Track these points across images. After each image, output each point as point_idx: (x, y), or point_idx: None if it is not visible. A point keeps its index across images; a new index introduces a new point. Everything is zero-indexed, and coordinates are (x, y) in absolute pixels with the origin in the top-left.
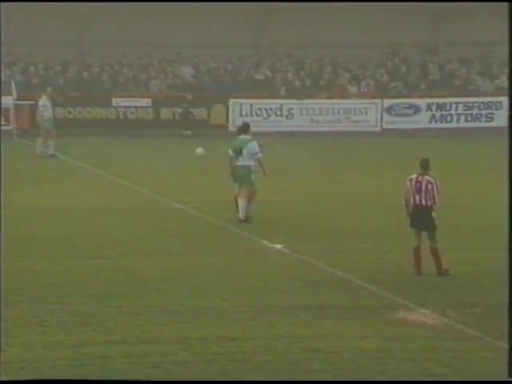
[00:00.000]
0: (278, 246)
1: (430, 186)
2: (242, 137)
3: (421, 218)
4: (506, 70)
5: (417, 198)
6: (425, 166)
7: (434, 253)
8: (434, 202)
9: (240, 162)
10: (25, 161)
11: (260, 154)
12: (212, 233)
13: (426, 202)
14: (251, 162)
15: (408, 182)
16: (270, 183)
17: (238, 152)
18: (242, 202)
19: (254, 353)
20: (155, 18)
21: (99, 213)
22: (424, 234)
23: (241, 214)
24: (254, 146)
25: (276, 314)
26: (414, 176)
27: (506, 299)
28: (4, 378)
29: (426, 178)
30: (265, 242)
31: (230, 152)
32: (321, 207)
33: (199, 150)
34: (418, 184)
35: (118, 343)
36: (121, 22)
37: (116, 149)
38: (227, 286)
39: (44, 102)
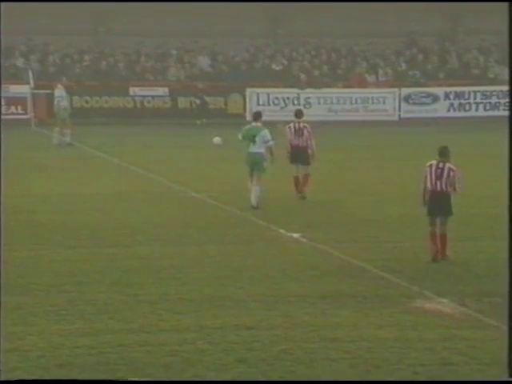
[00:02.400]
0: (295, 235)
1: (451, 174)
2: (254, 124)
3: (439, 204)
4: None
5: (438, 184)
6: (444, 153)
7: (444, 238)
8: (454, 189)
9: (252, 149)
10: (42, 150)
11: (271, 142)
12: (229, 222)
13: (447, 188)
14: (263, 149)
15: (428, 169)
16: (286, 172)
17: (251, 139)
18: (254, 191)
19: (271, 342)
20: (172, 7)
21: (116, 201)
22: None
23: (254, 201)
24: (265, 133)
25: (293, 303)
26: (434, 162)
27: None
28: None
29: (448, 165)
30: (282, 231)
31: (239, 136)
32: (338, 196)
33: (216, 140)
34: (439, 170)
35: (134, 332)
36: (137, 11)
37: (133, 138)
38: (244, 275)
39: (60, 91)
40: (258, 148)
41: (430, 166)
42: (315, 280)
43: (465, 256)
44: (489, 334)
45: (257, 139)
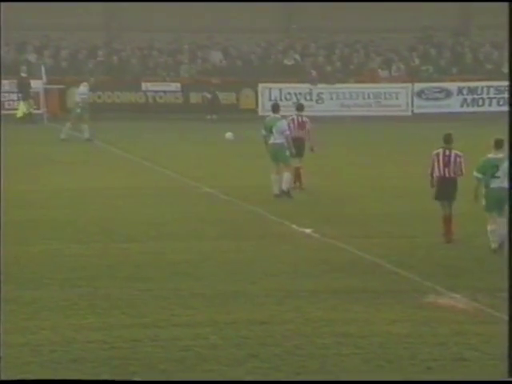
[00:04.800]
0: (308, 231)
1: (458, 160)
2: (272, 116)
3: (448, 189)
4: None
5: (446, 171)
6: (449, 140)
7: (448, 219)
8: (461, 173)
9: (272, 140)
10: (55, 145)
11: (287, 132)
12: (241, 217)
13: (455, 173)
14: (282, 140)
15: (435, 157)
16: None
17: (269, 130)
18: (285, 177)
19: (283, 337)
20: (184, 2)
21: (128, 196)
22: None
23: (284, 186)
24: (282, 124)
25: (305, 298)
26: (440, 151)
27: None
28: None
29: (454, 151)
30: (294, 226)
31: (263, 131)
32: (351, 192)
33: (228, 135)
34: (447, 158)
35: (147, 326)
36: (150, 6)
37: (145, 133)
38: (256, 270)
39: (83, 89)
40: (276, 139)
41: (437, 154)
42: (327, 275)
43: (477, 251)
44: (502, 329)
45: (274, 130)
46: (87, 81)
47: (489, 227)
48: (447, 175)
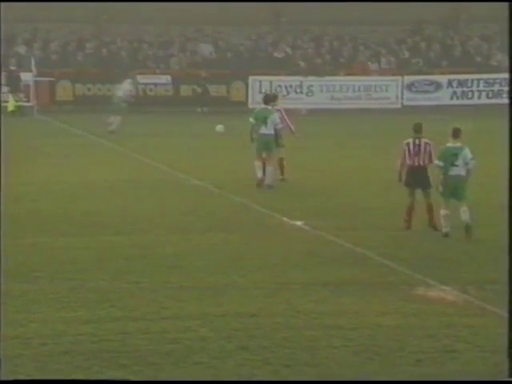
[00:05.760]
0: (298, 223)
1: (427, 148)
2: (265, 107)
3: (419, 178)
4: None
5: (416, 159)
6: (418, 129)
7: (430, 208)
8: (430, 162)
9: (264, 131)
10: (45, 137)
11: (280, 126)
12: (231, 210)
13: (424, 162)
14: (273, 131)
15: (405, 146)
16: (290, 160)
17: (262, 121)
18: (268, 170)
19: (273, 329)
20: None
21: (118, 189)
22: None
23: (268, 180)
24: (276, 117)
25: (295, 291)
26: (410, 140)
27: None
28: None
29: (424, 140)
30: (285, 218)
31: (252, 120)
32: (341, 184)
33: (219, 127)
34: (417, 147)
35: (137, 319)
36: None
37: (135, 126)
38: (246, 263)
39: (128, 86)
40: (269, 130)
41: (408, 143)
42: (318, 267)
43: (467, 244)
44: (491, 322)
45: (268, 121)
46: (131, 77)
47: (442, 212)
48: (417, 164)
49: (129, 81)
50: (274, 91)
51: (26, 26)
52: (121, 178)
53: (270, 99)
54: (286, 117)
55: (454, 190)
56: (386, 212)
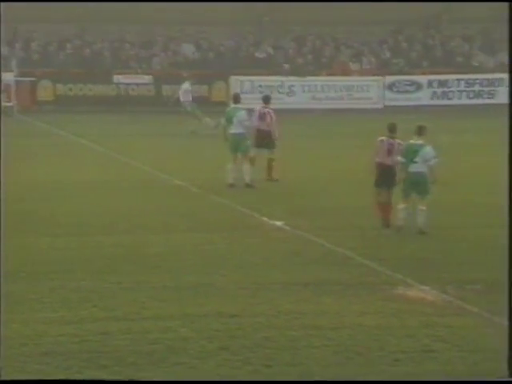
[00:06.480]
0: (279, 223)
1: (400, 148)
2: (234, 106)
3: (389, 177)
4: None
5: (388, 159)
6: (393, 129)
7: (390, 207)
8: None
9: (232, 130)
10: (25, 138)
11: (247, 123)
12: (212, 210)
13: (394, 162)
14: (242, 130)
15: (379, 144)
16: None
17: (230, 120)
18: (245, 169)
19: (254, 329)
20: None
21: (100, 190)
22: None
23: (247, 179)
24: (242, 114)
25: (276, 291)
26: (384, 138)
27: (505, 277)
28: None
29: (397, 141)
30: (265, 218)
31: (223, 121)
32: (322, 184)
33: (207, 120)
34: (391, 146)
35: (118, 319)
36: None
37: (117, 126)
38: (227, 263)
39: (186, 86)
40: (236, 129)
41: (382, 141)
42: (298, 268)
43: (447, 244)
44: (470, 321)
45: (234, 120)
46: (189, 78)
47: (400, 206)
48: (388, 163)
49: (188, 82)
50: (259, 91)
51: (6, 26)
52: (102, 179)
53: (237, 98)
54: (271, 121)
55: (416, 185)
56: (367, 212)
